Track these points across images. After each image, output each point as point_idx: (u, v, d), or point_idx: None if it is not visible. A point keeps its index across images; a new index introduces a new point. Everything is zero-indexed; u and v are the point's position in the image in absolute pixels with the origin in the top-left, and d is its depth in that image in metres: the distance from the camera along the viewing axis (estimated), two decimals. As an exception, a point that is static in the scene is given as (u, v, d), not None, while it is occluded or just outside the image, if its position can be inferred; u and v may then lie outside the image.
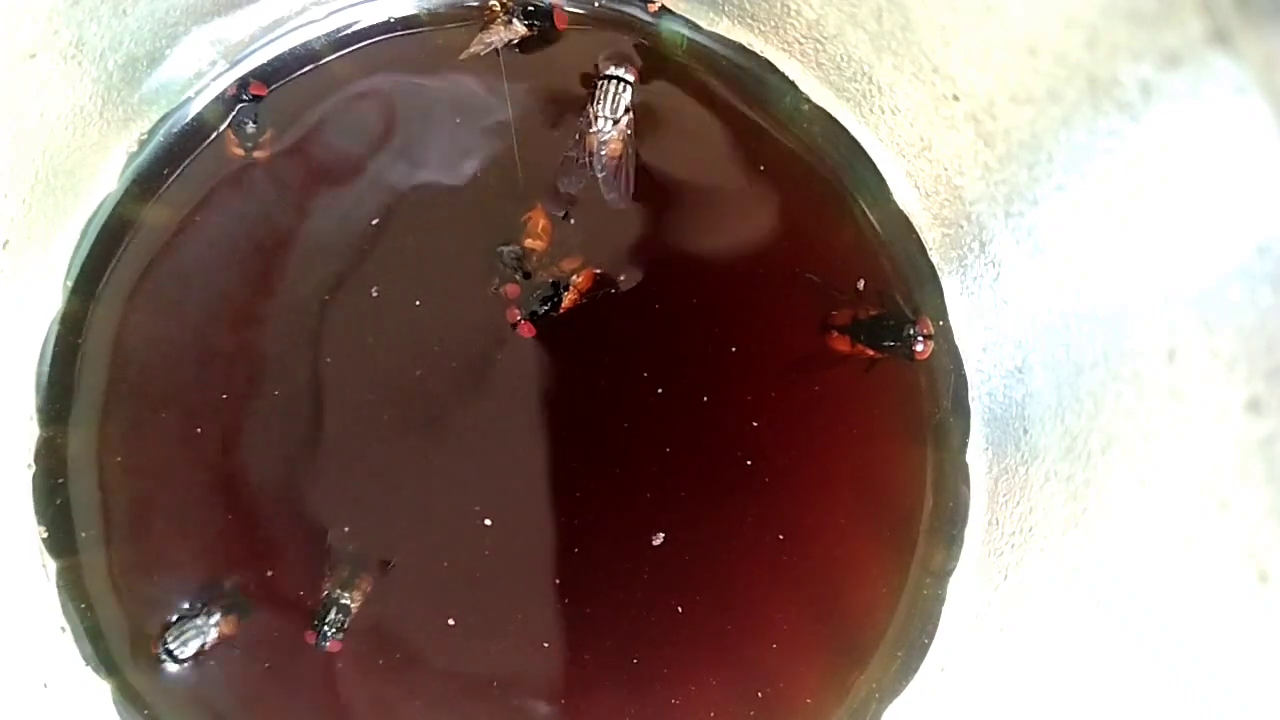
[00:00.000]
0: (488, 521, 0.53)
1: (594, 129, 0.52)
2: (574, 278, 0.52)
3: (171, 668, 0.51)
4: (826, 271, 0.54)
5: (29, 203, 0.49)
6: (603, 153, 0.53)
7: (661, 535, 0.53)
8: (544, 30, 0.54)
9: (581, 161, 0.53)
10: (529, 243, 0.52)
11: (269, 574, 0.53)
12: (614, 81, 0.53)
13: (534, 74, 0.55)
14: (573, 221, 0.53)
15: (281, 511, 0.53)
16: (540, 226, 0.52)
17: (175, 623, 0.51)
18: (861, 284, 0.54)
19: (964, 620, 0.52)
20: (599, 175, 0.53)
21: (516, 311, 0.52)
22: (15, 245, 0.49)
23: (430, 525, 0.53)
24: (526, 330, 0.52)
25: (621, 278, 0.53)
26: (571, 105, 0.54)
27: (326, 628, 0.50)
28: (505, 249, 0.52)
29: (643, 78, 0.55)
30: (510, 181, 0.54)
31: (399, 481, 0.53)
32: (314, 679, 0.53)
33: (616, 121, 0.52)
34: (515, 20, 0.52)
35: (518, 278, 0.52)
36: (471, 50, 0.53)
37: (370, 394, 0.54)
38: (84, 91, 0.48)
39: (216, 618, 0.51)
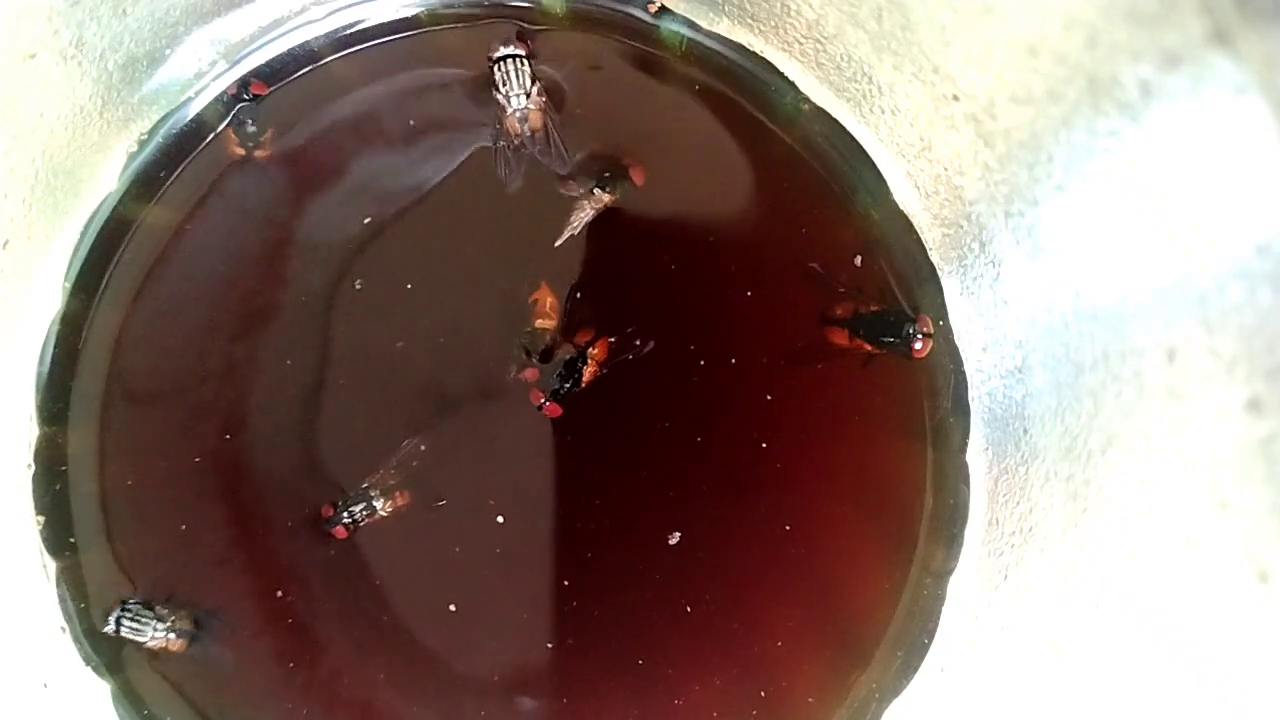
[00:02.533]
0: (500, 519, 0.53)
1: (510, 110, 0.53)
2: (590, 350, 0.52)
3: (109, 629, 0.51)
4: (826, 271, 0.54)
5: (29, 203, 0.49)
6: (527, 129, 0.53)
7: (678, 534, 0.53)
8: (626, 191, 0.54)
9: (511, 146, 0.53)
10: (540, 323, 0.53)
11: (267, 577, 0.53)
12: (509, 60, 0.53)
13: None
14: (579, 295, 0.53)
15: (281, 510, 0.53)
16: (549, 305, 0.52)
17: (140, 606, 0.51)
18: (859, 260, 0.54)
19: (964, 620, 0.52)
20: (534, 152, 0.53)
21: (540, 394, 0.52)
22: (15, 245, 0.49)
23: (441, 520, 0.53)
24: (552, 410, 0.52)
25: (637, 342, 0.53)
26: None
27: (345, 513, 0.51)
28: (521, 338, 0.52)
29: (637, 78, 0.55)
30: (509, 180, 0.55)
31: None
32: (303, 663, 0.53)
33: (528, 94, 0.53)
34: (595, 192, 0.53)
35: (534, 361, 0.52)
36: (565, 237, 0.53)
37: (375, 389, 0.54)
38: (84, 91, 0.48)
39: (168, 629, 0.51)
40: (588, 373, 0.52)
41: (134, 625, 0.51)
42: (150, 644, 0.51)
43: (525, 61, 0.53)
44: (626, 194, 0.54)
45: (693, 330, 0.54)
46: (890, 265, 0.55)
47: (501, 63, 0.53)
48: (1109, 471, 0.41)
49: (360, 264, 0.54)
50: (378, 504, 0.52)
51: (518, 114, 0.53)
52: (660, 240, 0.54)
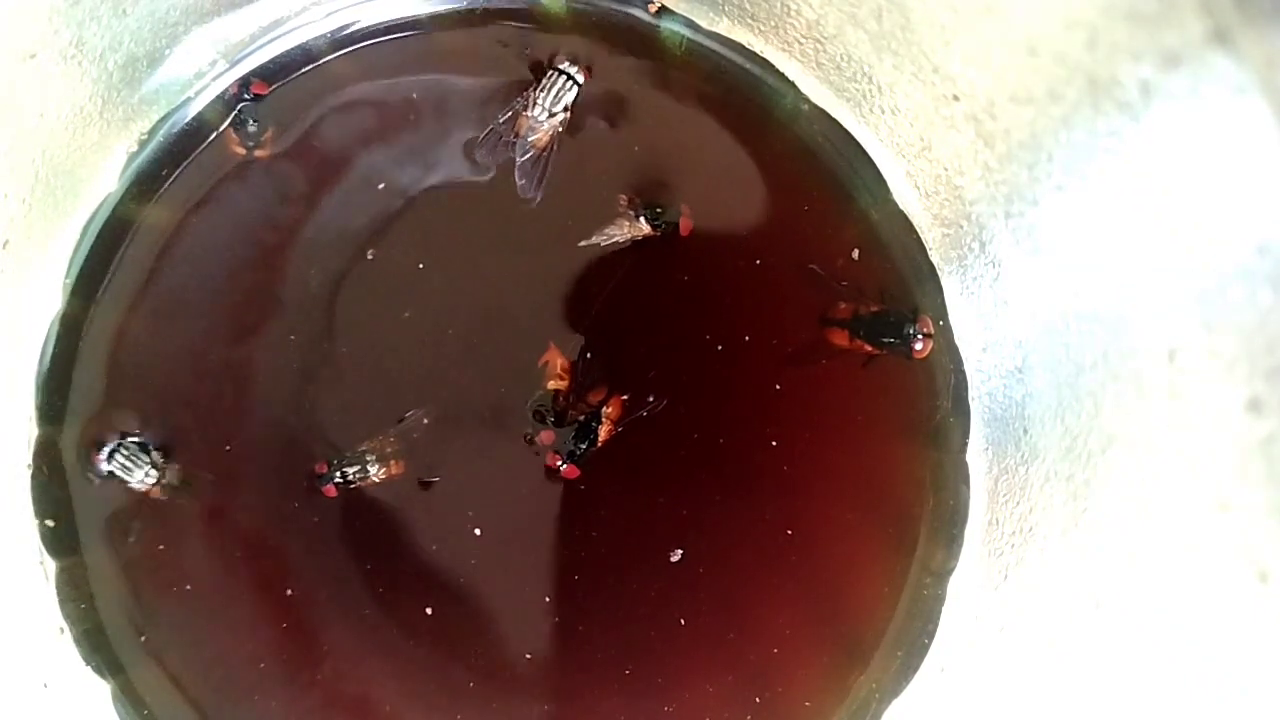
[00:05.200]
0: (477, 531, 0.52)
1: (529, 113, 0.53)
2: (604, 409, 0.52)
3: (101, 459, 0.51)
4: (826, 272, 0.54)
5: (29, 203, 0.49)
6: (529, 139, 0.53)
7: (680, 552, 0.53)
8: (667, 234, 0.54)
9: (507, 139, 0.53)
10: (551, 384, 0.52)
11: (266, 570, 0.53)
12: (563, 76, 0.53)
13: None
14: (589, 355, 0.53)
15: (279, 509, 0.53)
16: (559, 366, 0.52)
17: (137, 445, 0.51)
18: (856, 253, 0.54)
19: (964, 620, 0.52)
20: (518, 159, 0.53)
21: (557, 457, 0.52)
22: (15, 245, 0.49)
23: (418, 536, 0.53)
24: (571, 473, 0.52)
25: (650, 398, 0.53)
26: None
27: (337, 473, 0.51)
28: (533, 402, 0.52)
29: (637, 78, 0.55)
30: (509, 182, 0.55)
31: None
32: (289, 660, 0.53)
33: (552, 115, 0.53)
34: (642, 219, 0.53)
35: (549, 422, 0.52)
36: (592, 241, 0.53)
37: (371, 392, 0.54)
38: (84, 91, 0.48)
39: (158, 478, 0.51)
40: (603, 431, 0.52)
41: (125, 463, 0.51)
42: (134, 485, 0.51)
43: (573, 89, 0.53)
44: (668, 235, 0.54)
45: (691, 331, 0.54)
46: (890, 265, 0.55)
47: (556, 74, 0.53)
48: (1109, 471, 0.42)
49: (361, 262, 0.54)
50: (372, 469, 0.52)
51: (531, 121, 0.53)
52: (658, 241, 0.54)
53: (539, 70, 0.54)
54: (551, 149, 0.53)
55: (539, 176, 0.53)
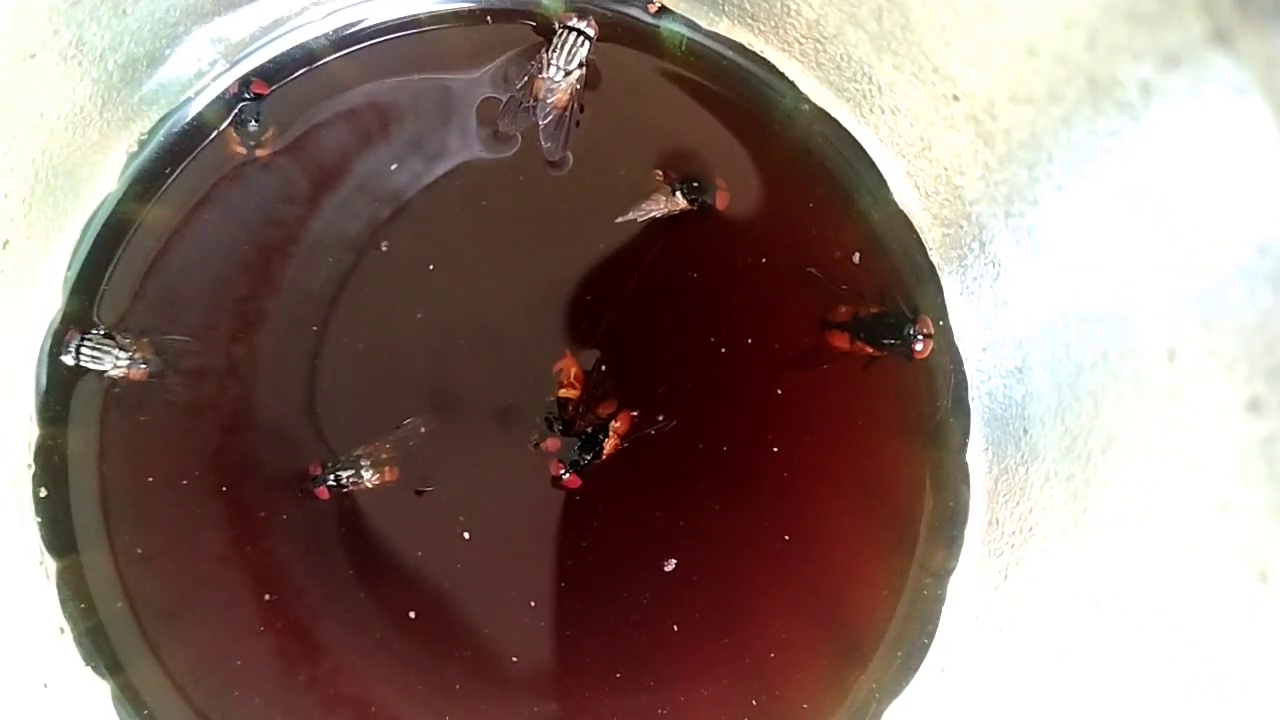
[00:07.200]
0: (467, 535, 0.52)
1: (544, 75, 0.53)
2: (612, 423, 0.52)
3: (68, 360, 0.51)
4: (826, 272, 0.54)
5: (29, 203, 0.49)
6: (548, 100, 0.53)
7: (673, 562, 0.53)
8: (704, 207, 0.54)
9: (526, 105, 0.53)
10: (563, 393, 0.52)
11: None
12: (574, 33, 0.53)
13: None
14: (604, 368, 0.53)
15: (279, 510, 0.53)
16: (573, 374, 0.52)
17: (101, 335, 0.51)
18: (857, 257, 0.54)
19: (964, 620, 0.52)
20: (540, 123, 0.53)
21: (561, 465, 0.51)
22: (15, 245, 0.49)
23: (407, 538, 0.53)
24: (573, 482, 0.51)
25: (660, 416, 0.53)
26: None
27: (330, 475, 0.51)
28: (546, 409, 0.52)
29: (637, 78, 0.56)
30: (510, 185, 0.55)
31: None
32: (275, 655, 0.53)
33: (568, 73, 0.53)
34: (679, 194, 0.53)
35: (557, 430, 0.52)
36: (629, 217, 0.53)
37: (371, 394, 0.54)
38: (84, 91, 0.48)
39: (129, 357, 0.51)
40: (609, 445, 0.52)
41: (93, 353, 0.50)
42: (111, 372, 0.51)
43: (585, 44, 0.53)
44: (705, 210, 0.53)
45: (695, 334, 0.54)
46: (890, 265, 0.55)
47: (566, 31, 0.53)
48: (1109, 471, 0.42)
49: (363, 262, 0.54)
50: (366, 473, 0.51)
51: (548, 83, 0.53)
52: (658, 240, 0.54)
53: (548, 31, 0.54)
54: (572, 108, 0.53)
55: (563, 137, 0.53)
